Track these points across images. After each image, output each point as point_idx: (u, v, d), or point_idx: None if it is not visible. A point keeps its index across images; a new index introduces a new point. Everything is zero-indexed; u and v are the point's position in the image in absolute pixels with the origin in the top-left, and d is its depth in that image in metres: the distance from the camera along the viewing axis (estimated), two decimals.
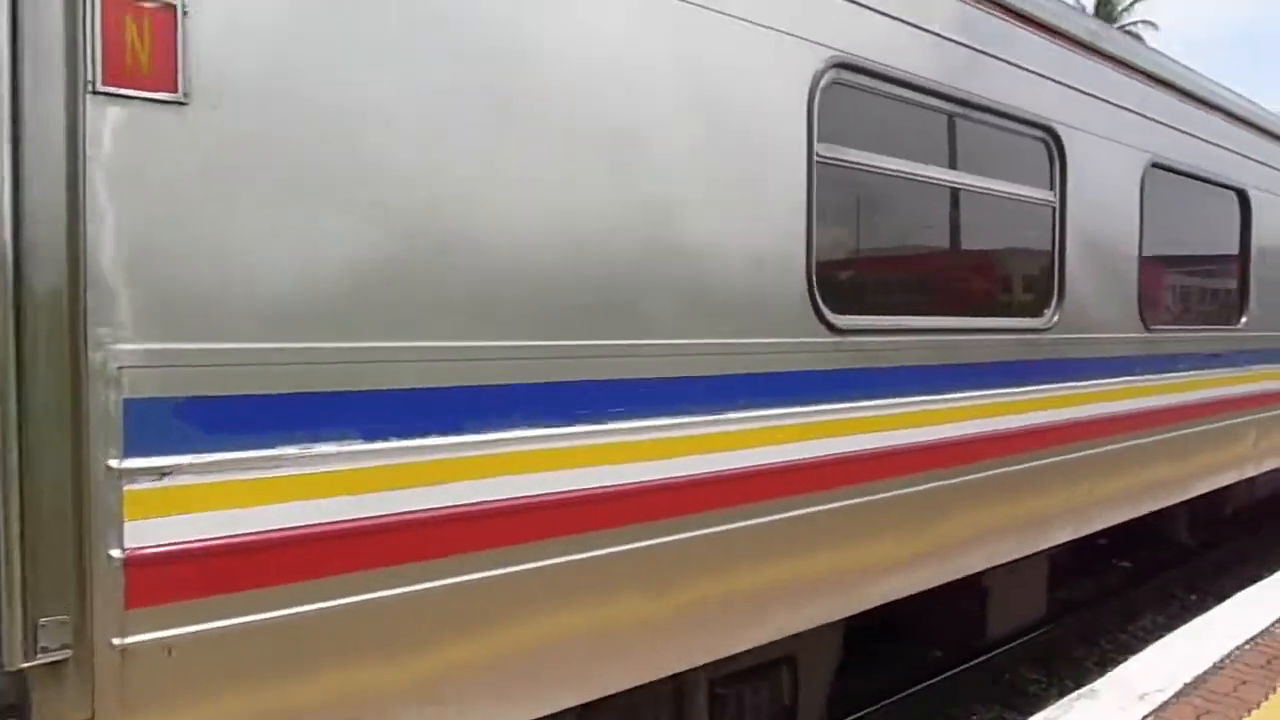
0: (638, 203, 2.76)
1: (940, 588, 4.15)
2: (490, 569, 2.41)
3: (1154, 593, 8.27)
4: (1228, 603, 6.09)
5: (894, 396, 3.55)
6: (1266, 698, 4.69)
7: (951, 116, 3.99)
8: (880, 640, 5.71)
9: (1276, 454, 7.46)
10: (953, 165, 4.02)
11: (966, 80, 3.94)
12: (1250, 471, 6.98)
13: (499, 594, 2.45)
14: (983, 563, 4.26)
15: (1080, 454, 4.81)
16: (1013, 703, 6.00)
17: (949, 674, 5.70)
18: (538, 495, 2.48)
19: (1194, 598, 8.06)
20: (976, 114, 4.08)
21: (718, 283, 2.97)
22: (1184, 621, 5.88)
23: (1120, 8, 60.96)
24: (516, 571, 2.47)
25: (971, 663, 5.80)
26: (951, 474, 3.89)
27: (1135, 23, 60.53)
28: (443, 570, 2.32)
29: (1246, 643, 5.36)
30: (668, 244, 2.83)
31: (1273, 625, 5.67)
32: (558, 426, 2.53)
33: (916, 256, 4.22)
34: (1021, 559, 4.75)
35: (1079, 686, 5.04)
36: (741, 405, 3.02)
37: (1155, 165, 5.28)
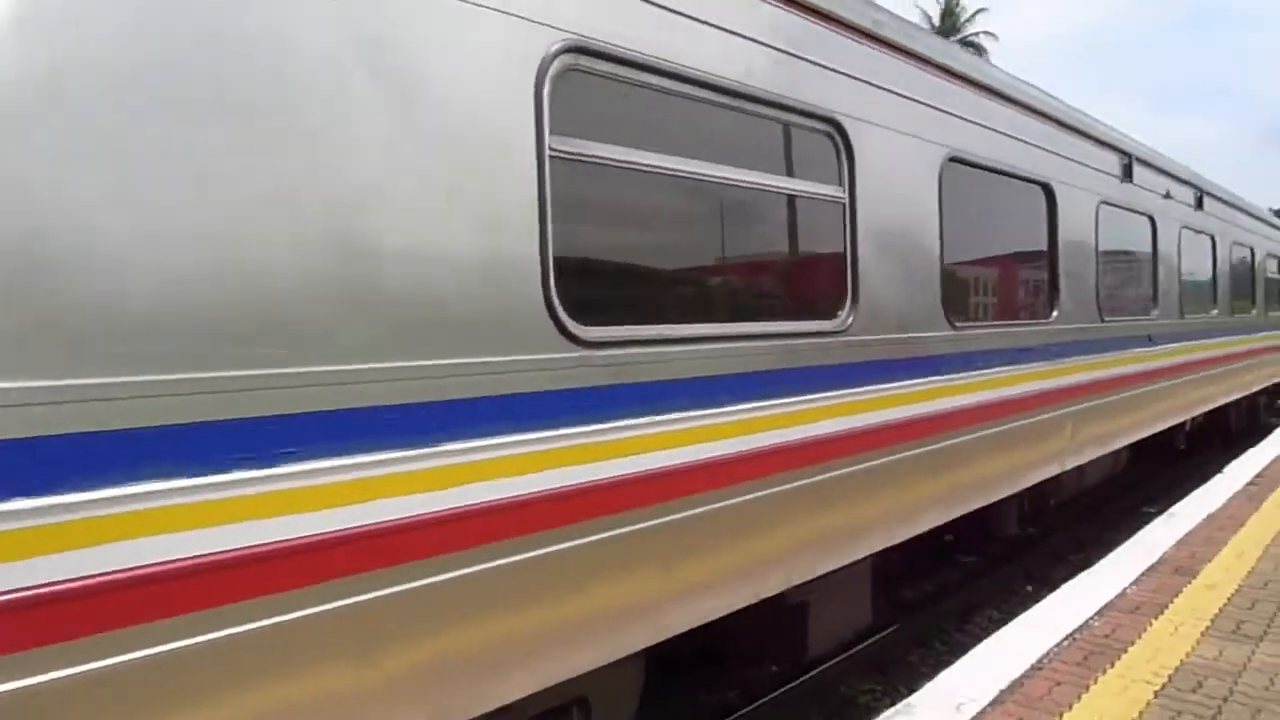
0: (306, 205, 2.32)
1: (763, 605, 3.97)
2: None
3: (992, 587, 8.35)
4: (1050, 598, 6.09)
5: (659, 414, 3.23)
6: (1079, 698, 4.62)
7: (720, 108, 3.71)
8: (715, 664, 5.48)
9: (1096, 444, 7.60)
10: (724, 161, 3.73)
11: (734, 70, 3.68)
12: (1070, 463, 7.08)
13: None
14: (783, 582, 4.01)
15: (890, 458, 4.65)
16: (846, 715, 5.83)
17: (778, 692, 5.49)
18: (148, 566, 2.00)
19: (1030, 588, 8.15)
20: (749, 105, 3.82)
21: (426, 295, 2.58)
22: (1020, 614, 5.87)
23: (963, 19, 64.62)
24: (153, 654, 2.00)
25: (801, 679, 5.60)
26: (736, 492, 3.61)
27: (977, 33, 64.33)
28: None
29: (1066, 639, 5.32)
30: (352, 252, 2.41)
31: (1091, 618, 5.68)
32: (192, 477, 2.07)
33: (684, 260, 3.90)
34: (839, 569, 4.56)
35: (912, 692, 4.88)
36: (464, 434, 2.63)
37: (954, 159, 5.19)
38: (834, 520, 4.31)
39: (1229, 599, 5.98)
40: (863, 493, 4.44)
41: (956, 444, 5.10)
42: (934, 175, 5.01)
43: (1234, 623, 5.56)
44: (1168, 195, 9.00)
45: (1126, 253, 8.38)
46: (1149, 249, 8.59)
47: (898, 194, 4.71)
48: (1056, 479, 7.67)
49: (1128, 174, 7.87)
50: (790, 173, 4.05)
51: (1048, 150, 6.43)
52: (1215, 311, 10.81)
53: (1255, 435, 13.62)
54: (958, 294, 5.27)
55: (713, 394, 3.52)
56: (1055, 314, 6.49)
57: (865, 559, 4.84)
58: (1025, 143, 6.15)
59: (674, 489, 3.28)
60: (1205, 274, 10.82)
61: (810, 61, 4.11)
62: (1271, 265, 14.56)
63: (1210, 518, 8.20)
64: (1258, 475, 10.10)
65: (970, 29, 65.78)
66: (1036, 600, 6.35)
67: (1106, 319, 7.29)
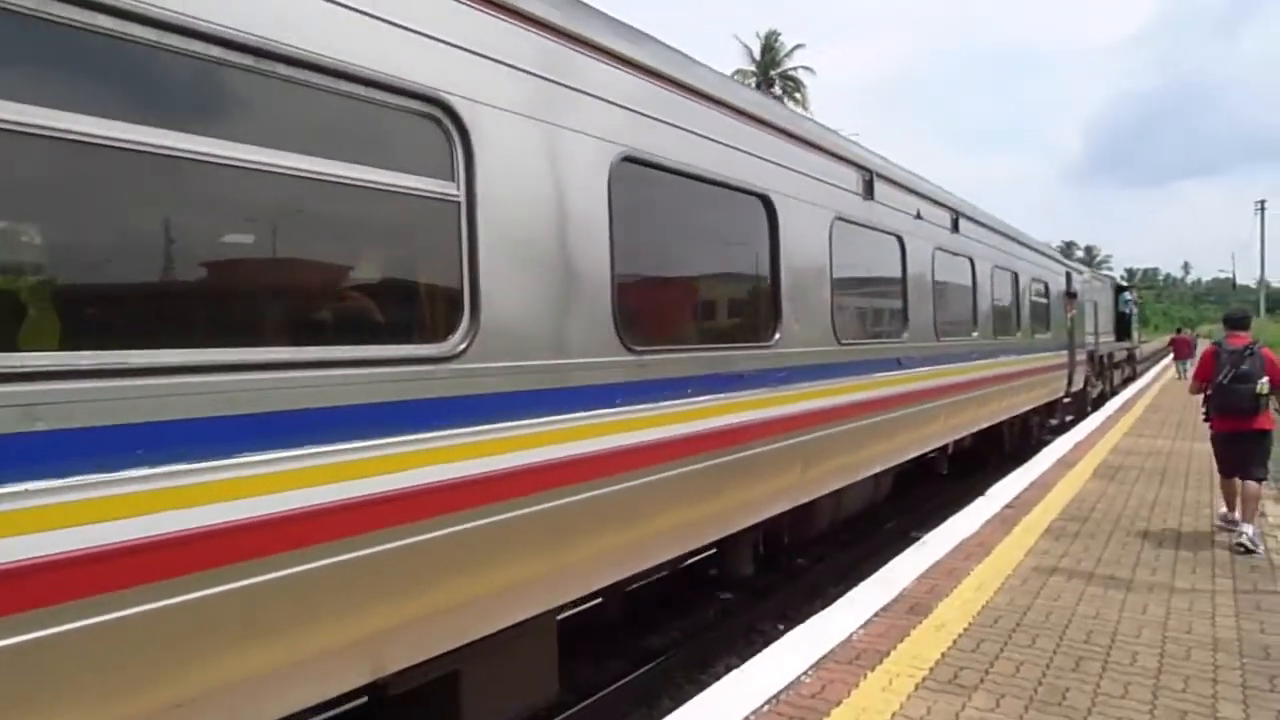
0: None
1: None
2: None
3: (741, 628, 7.82)
4: (768, 650, 5.51)
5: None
6: None
7: (249, 73, 2.82)
8: None
9: (838, 474, 7.20)
10: (264, 142, 2.83)
11: (263, 23, 2.80)
12: (805, 497, 6.59)
13: None
14: (377, 669, 3.14)
15: (530, 509, 3.85)
16: None
17: None
18: None
19: (781, 627, 7.63)
20: (306, 75, 2.96)
21: None
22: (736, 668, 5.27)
23: (782, 54, 67.39)
24: None
25: None
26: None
27: (795, 68, 67.29)
28: None
29: (768, 702, 4.70)
30: None
31: (805, 674, 5.10)
32: None
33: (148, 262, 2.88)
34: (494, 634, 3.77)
35: None
36: None
37: (631, 159, 4.52)
38: (461, 584, 3.48)
39: (955, 641, 5.57)
40: (487, 555, 3.62)
41: (629, 489, 4.39)
42: (602, 176, 4.30)
43: (953, 670, 5.12)
44: (918, 216, 8.86)
45: (870, 273, 8.12)
46: (897, 270, 8.37)
47: (542, 195, 3.96)
48: (806, 513, 7.22)
49: (869, 191, 7.58)
50: (370, 162, 3.17)
51: (766, 160, 5.93)
52: (976, 334, 10.87)
53: (1027, 454, 14.02)
54: (634, 314, 4.57)
55: (221, 439, 2.60)
56: (777, 337, 5.97)
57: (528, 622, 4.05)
58: (737, 149, 5.60)
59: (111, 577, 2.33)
60: (964, 297, 10.88)
61: (401, 26, 3.29)
62: (1038, 289, 15.12)
63: (959, 546, 7.97)
64: (1016, 498, 10.12)
65: (790, 63, 69.11)
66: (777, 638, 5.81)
67: (845, 342, 6.89)
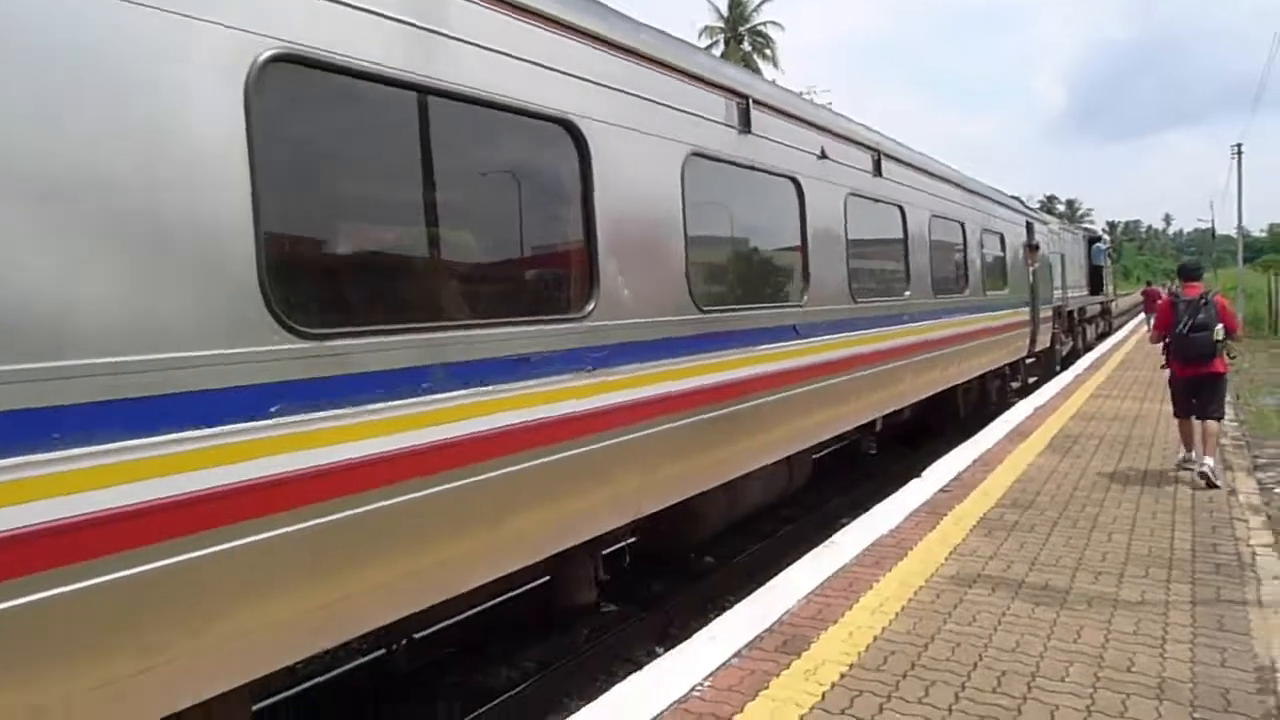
0: None
1: None
2: None
3: (619, 647, 6.57)
4: (649, 667, 4.31)
5: None
6: None
7: None
8: None
9: (709, 471, 5.95)
10: None
11: None
12: (653, 505, 5.34)
13: None
14: None
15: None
16: None
17: None
18: None
19: (660, 650, 6.34)
20: None
21: None
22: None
23: (750, 8, 65.56)
24: None
25: None
26: None
27: (764, 23, 65.50)
28: None
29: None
30: None
31: (699, 685, 3.87)
32: None
33: None
34: None
35: None
36: None
37: (278, 59, 3.09)
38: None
39: (824, 695, 4.29)
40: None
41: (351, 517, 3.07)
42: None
43: None
44: (823, 155, 7.43)
45: (751, 227, 6.73)
46: (793, 220, 6.98)
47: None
48: (687, 513, 5.93)
49: (745, 123, 6.15)
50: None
51: (568, 74, 4.51)
52: (909, 294, 9.51)
53: (985, 420, 12.76)
54: (333, 281, 3.22)
55: None
56: (592, 307, 4.58)
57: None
58: (537, 65, 4.20)
59: None
60: (891, 252, 9.50)
61: None
62: (991, 243, 13.73)
63: (873, 547, 6.69)
64: (954, 479, 8.85)
65: (758, 19, 67.19)
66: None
67: (707, 309, 5.52)
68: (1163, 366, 8.91)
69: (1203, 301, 8.25)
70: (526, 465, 4.05)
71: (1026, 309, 16.02)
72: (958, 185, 11.89)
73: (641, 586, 7.85)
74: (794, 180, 6.95)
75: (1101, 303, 31.27)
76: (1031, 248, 16.79)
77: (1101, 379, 17.44)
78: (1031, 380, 17.31)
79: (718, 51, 60.91)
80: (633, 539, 7.49)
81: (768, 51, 67.43)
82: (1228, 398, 14.95)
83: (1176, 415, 8.91)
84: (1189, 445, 8.74)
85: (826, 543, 6.88)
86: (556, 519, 4.40)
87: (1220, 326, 8.14)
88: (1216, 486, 7.98)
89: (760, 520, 9.64)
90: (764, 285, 6.86)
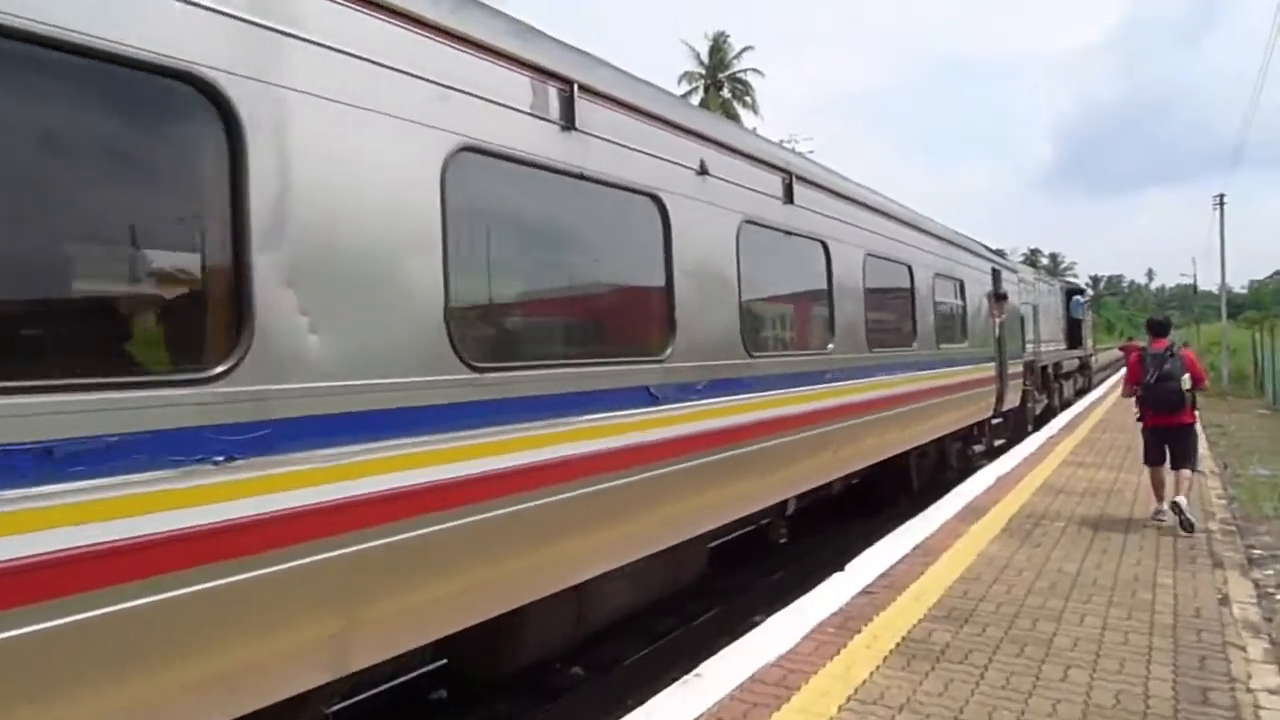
0: None
1: None
2: None
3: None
4: None
5: None
6: None
7: None
8: None
9: (548, 576, 4.34)
10: None
11: None
12: (457, 624, 3.76)
13: None
14: None
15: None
16: None
17: None
18: None
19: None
20: None
21: None
22: None
23: (731, 55, 65.43)
24: None
25: None
26: None
27: (745, 70, 65.35)
28: None
29: None
30: None
31: None
32: None
33: None
34: None
35: None
36: None
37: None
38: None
39: None
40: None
41: None
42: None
43: None
44: (703, 171, 5.87)
45: (598, 259, 5.16)
46: (656, 253, 5.39)
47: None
48: (485, 639, 4.28)
49: (568, 118, 4.58)
50: None
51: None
52: (831, 347, 7.89)
53: (945, 488, 11.13)
54: None
55: None
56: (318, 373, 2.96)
57: None
58: None
59: None
60: (808, 297, 7.91)
61: None
62: (948, 290, 12.19)
63: (751, 683, 5.00)
64: (882, 576, 7.16)
65: (739, 65, 66.93)
66: None
67: (482, 368, 3.88)
68: (1138, 419, 9.07)
69: (1169, 354, 8.59)
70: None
71: (991, 364, 14.47)
72: (904, 223, 10.36)
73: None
74: (657, 201, 5.37)
75: (1080, 357, 29.84)
76: (998, 297, 15.30)
77: (1076, 442, 15.86)
78: (999, 443, 15.70)
79: (696, 99, 60.29)
80: (441, 660, 5.81)
81: (747, 99, 67.10)
82: (1215, 466, 13.39)
83: (1146, 463, 9.07)
84: (1159, 495, 8.87)
85: (693, 674, 5.17)
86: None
87: (1186, 376, 8.46)
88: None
89: (666, 611, 7.97)
90: (606, 340, 5.21)
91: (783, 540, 7.72)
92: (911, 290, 10.45)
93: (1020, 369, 17.20)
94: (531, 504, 4.27)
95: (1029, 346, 19.71)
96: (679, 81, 64.48)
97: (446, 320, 3.78)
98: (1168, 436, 8.74)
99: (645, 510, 5.28)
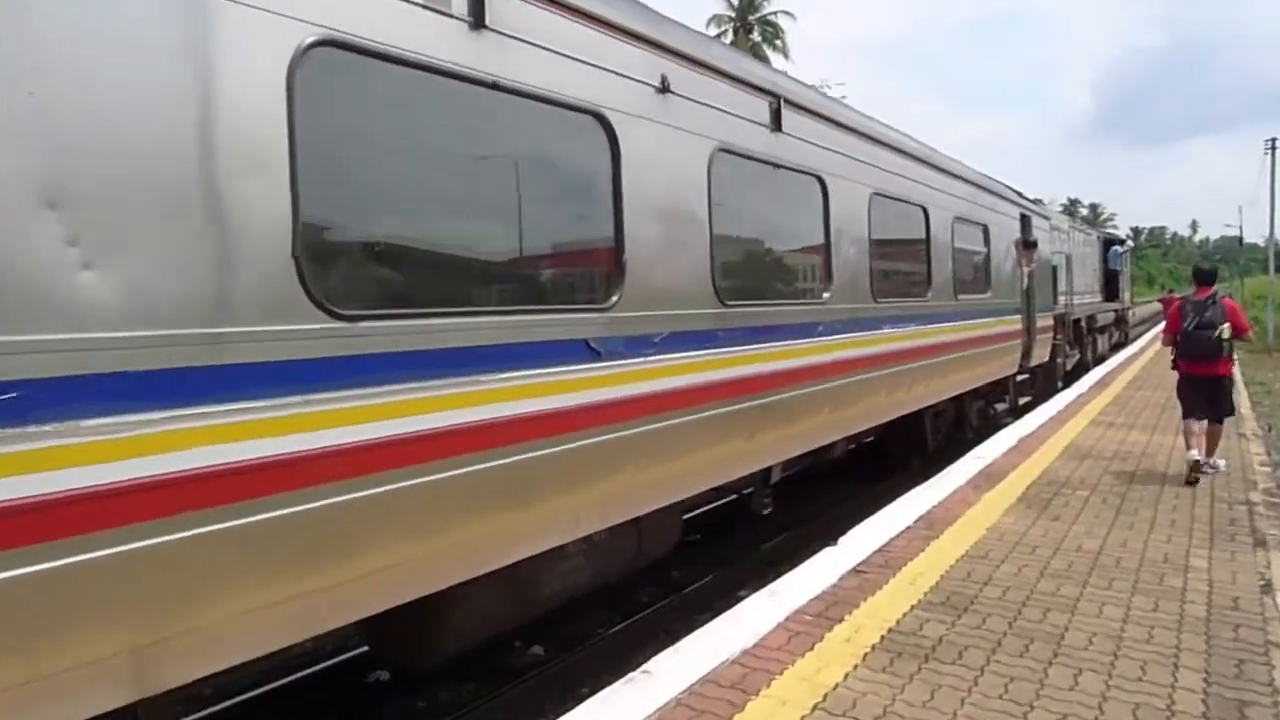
0: None
1: None
2: None
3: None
4: None
5: None
6: None
7: None
8: None
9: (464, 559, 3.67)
10: None
11: None
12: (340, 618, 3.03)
13: None
14: None
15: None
16: None
17: None
18: None
19: None
20: None
21: None
22: None
23: None
24: None
25: None
26: None
27: (775, 13, 63.12)
28: None
29: None
30: None
31: None
32: None
33: None
34: None
35: None
36: None
37: None
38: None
39: None
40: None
41: None
42: None
43: None
44: (664, 88, 5.01)
45: (533, 194, 4.35)
46: (600, 187, 4.59)
47: None
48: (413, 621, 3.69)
49: (477, 16, 3.75)
50: None
51: None
52: (827, 296, 7.03)
53: (962, 449, 10.34)
54: None
55: None
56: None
57: None
58: None
59: None
60: (801, 241, 7.04)
61: None
62: (970, 236, 11.19)
63: (706, 682, 4.33)
64: (878, 550, 6.42)
65: (768, 7, 64.64)
66: None
67: (357, 325, 3.14)
68: (1172, 367, 8.89)
69: (1210, 301, 8.39)
70: None
71: (1018, 317, 13.48)
72: (919, 160, 9.37)
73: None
74: (600, 119, 4.53)
75: (1116, 310, 28.50)
76: (1027, 245, 14.24)
77: (1108, 400, 14.90)
78: (1024, 401, 14.76)
79: (726, 40, 58.25)
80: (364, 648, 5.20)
81: (778, 42, 64.77)
82: (1259, 428, 12.40)
83: (1182, 415, 8.81)
84: (1189, 444, 8.58)
85: (640, 670, 4.49)
86: None
87: (1226, 325, 8.22)
88: (1204, 474, 8.44)
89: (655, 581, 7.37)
90: (513, 278, 4.39)
91: (766, 511, 6.97)
92: (927, 235, 9.50)
93: (1050, 322, 16.15)
94: (433, 476, 3.56)
95: (1061, 298, 18.61)
96: (707, 25, 62.34)
97: (296, 256, 3.02)
98: (1203, 385, 8.52)
99: (590, 482, 4.55)
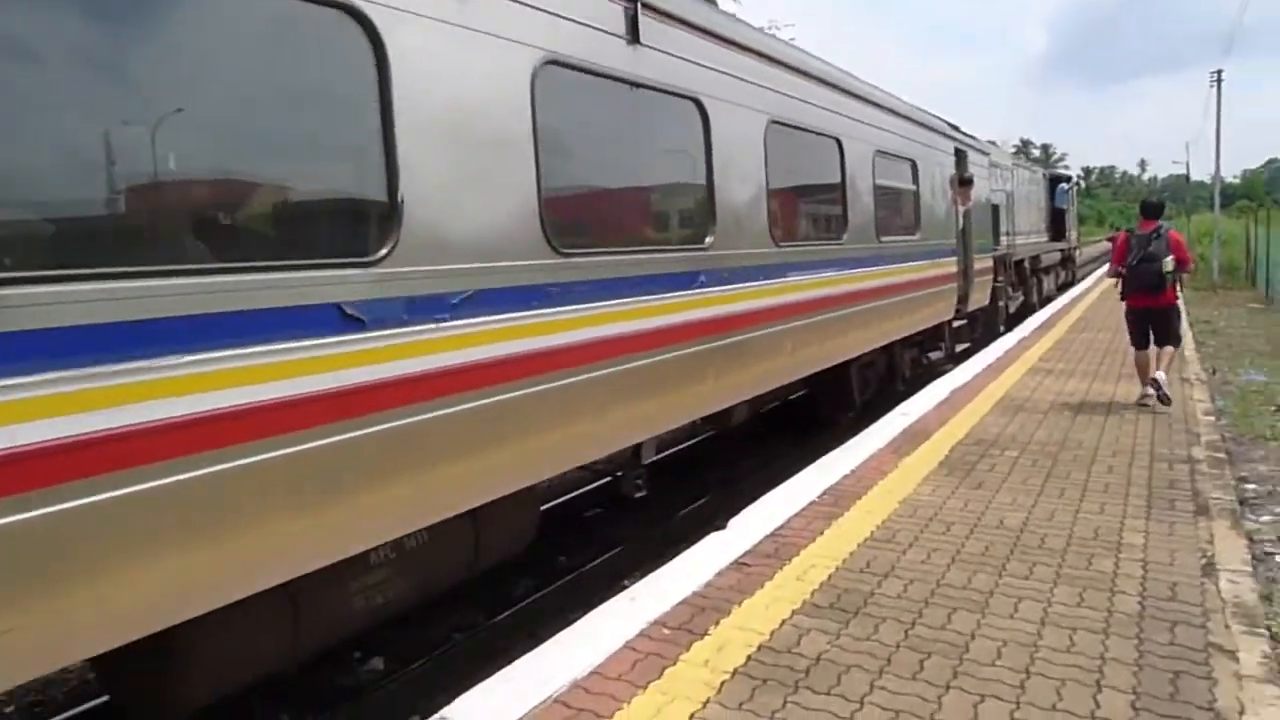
0: None
1: None
2: None
3: None
4: None
5: None
6: None
7: None
8: None
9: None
10: None
11: None
12: None
13: None
14: None
15: None
16: None
17: None
18: None
19: None
20: None
21: None
22: None
23: None
24: None
25: None
26: None
27: None
28: None
29: None
30: None
31: None
32: None
33: None
34: None
35: None
36: None
37: None
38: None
39: None
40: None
41: None
42: None
43: None
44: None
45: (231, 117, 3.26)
46: (362, 105, 3.51)
47: None
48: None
49: None
50: None
51: None
52: (710, 241, 6.02)
53: (892, 401, 9.51)
54: None
55: None
56: None
57: None
58: None
59: None
60: (668, 178, 6.00)
61: None
62: (894, 172, 10.20)
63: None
64: (773, 534, 5.54)
65: None
66: None
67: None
68: (1120, 298, 9.03)
69: (1155, 235, 8.45)
70: None
71: (953, 259, 12.63)
72: (828, 84, 8.30)
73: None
74: (361, 20, 3.42)
75: (1063, 250, 27.93)
76: (963, 182, 13.33)
77: (1049, 345, 14.19)
78: (961, 348, 13.99)
79: None
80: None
81: None
82: (1202, 372, 11.74)
83: (1132, 345, 9.02)
84: (1144, 379, 8.79)
85: (439, 715, 3.53)
86: None
87: (1170, 258, 8.33)
88: (1168, 400, 8.50)
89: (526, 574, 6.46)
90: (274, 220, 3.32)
91: (640, 495, 6.02)
92: (842, 170, 8.50)
93: (989, 264, 15.36)
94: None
95: (1004, 239, 17.84)
96: None
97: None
98: (1149, 317, 8.74)
99: (377, 479, 3.55)
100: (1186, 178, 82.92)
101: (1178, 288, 8.69)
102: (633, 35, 5.19)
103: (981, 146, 15.56)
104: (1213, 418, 8.65)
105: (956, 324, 13.49)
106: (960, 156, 13.45)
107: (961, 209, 13.29)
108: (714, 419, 6.60)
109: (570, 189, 4.81)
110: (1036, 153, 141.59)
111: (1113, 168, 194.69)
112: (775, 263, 6.92)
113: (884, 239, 9.55)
